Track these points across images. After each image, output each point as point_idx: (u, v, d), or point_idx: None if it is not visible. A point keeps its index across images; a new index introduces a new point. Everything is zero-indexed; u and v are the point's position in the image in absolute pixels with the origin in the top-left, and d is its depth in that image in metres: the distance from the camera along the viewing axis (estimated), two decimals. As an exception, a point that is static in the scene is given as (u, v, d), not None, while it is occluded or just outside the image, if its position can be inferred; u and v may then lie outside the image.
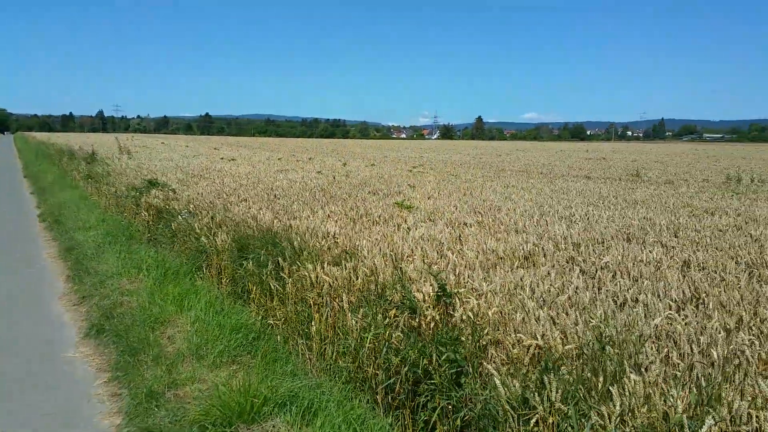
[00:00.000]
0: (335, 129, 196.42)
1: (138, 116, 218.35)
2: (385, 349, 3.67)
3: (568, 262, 4.89)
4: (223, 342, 4.81)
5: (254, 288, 5.69)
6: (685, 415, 2.33)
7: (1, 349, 5.15)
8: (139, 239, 8.82)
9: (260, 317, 5.39)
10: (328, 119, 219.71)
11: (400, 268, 4.80)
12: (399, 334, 3.72)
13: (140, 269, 7.03)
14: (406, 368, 3.47)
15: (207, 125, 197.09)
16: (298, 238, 5.87)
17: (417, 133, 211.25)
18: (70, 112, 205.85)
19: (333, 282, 4.85)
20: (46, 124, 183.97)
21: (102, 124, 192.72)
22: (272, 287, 5.40)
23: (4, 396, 4.28)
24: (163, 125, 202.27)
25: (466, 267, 4.76)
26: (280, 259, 5.51)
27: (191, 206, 8.63)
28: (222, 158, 22.59)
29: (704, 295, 3.82)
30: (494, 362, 3.14)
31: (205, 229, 7.19)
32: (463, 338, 3.37)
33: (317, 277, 4.94)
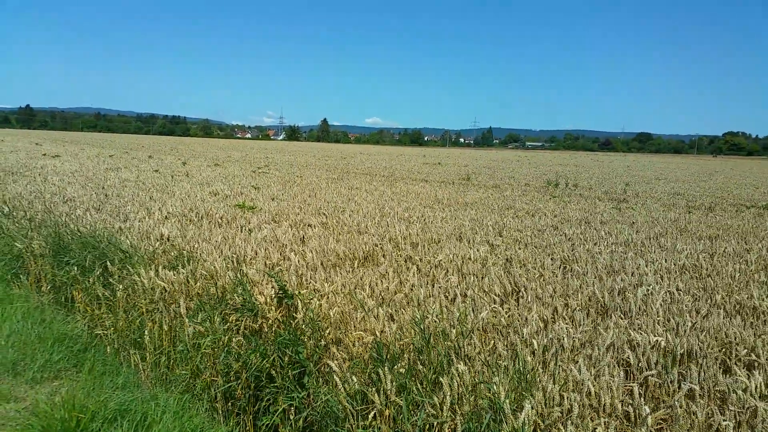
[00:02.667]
0: (175, 126, 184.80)
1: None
2: (224, 354, 3.52)
3: (406, 261, 5.10)
4: (45, 355, 4.29)
5: (79, 295, 5.15)
6: (507, 401, 2.54)
7: None
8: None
9: (87, 327, 4.89)
10: (167, 115, 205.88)
11: (241, 270, 4.66)
12: (240, 338, 3.60)
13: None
14: (247, 373, 3.37)
15: (28, 118, 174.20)
16: (129, 241, 5.43)
17: (262, 133, 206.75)
18: None
19: (169, 287, 4.55)
20: None
21: None
22: (100, 294, 4.93)
23: None
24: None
25: (308, 268, 4.75)
26: (108, 263, 5.05)
27: (6, 207, 7.58)
28: (44, 154, 20.18)
29: (524, 289, 4.21)
30: (336, 360, 3.17)
31: (22, 232, 6.35)
32: (305, 338, 3.36)
33: (151, 282, 4.60)
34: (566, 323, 3.56)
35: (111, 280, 4.91)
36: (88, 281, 5.12)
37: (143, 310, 4.51)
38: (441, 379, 2.78)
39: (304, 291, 4.01)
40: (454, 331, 3.22)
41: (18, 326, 4.75)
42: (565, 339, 3.22)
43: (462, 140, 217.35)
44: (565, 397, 2.69)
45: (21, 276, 6.04)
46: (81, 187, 10.01)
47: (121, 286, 4.78)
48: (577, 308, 3.91)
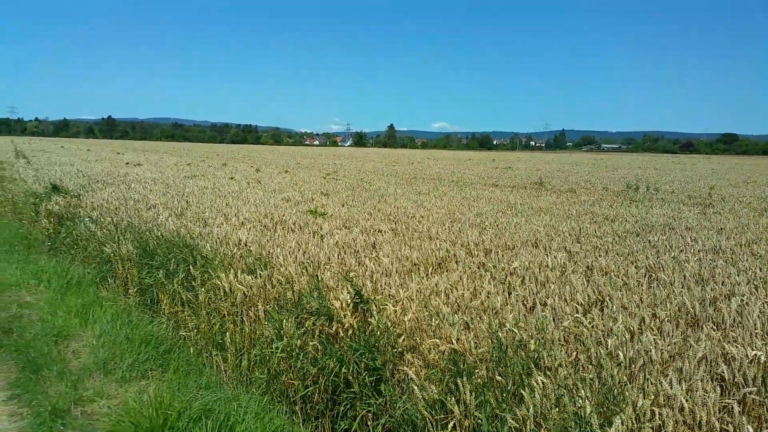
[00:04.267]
0: (247, 134, 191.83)
1: (36, 118, 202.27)
2: (301, 359, 3.61)
3: (479, 268, 5.05)
4: (133, 355, 4.55)
5: (164, 297, 5.43)
6: (594, 415, 2.46)
7: None
8: (38, 248, 8.18)
9: (171, 328, 5.15)
10: (239, 124, 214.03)
11: (317, 275, 4.77)
12: (316, 342, 3.68)
13: (40, 280, 6.52)
14: (324, 377, 3.44)
15: (110, 129, 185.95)
16: (209, 246, 5.68)
17: (330, 140, 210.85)
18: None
19: (248, 291, 4.72)
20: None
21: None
22: (183, 297, 5.18)
23: None
24: (63, 128, 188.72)
25: (382, 274, 4.79)
26: (191, 267, 5.30)
27: (95, 213, 8.11)
28: (127, 163, 21.45)
29: (608, 298, 4.06)
30: (413, 368, 3.18)
31: (110, 237, 6.78)
32: (380, 345, 3.39)
33: (231, 285, 4.79)
34: (654, 335, 3.41)
35: (193, 283, 5.15)
36: (172, 284, 5.39)
37: (224, 313, 4.70)
38: (522, 391, 2.73)
39: (379, 297, 4.06)
40: (533, 341, 3.15)
41: (107, 327, 5.07)
42: (653, 351, 3.09)
43: (533, 143, 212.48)
44: (657, 413, 2.57)
45: (109, 279, 6.45)
46: (162, 194, 10.56)
47: (203, 290, 5.00)
48: (666, 319, 3.73)
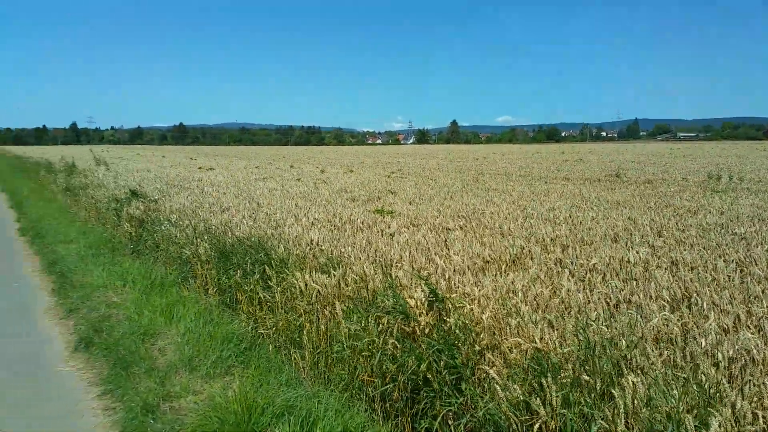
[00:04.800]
0: (310, 136, 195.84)
1: (112, 127, 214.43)
2: (379, 356, 3.64)
3: (556, 264, 4.93)
4: (216, 352, 4.75)
5: (242, 297, 5.63)
6: (689, 417, 2.35)
7: (-15, 367, 5.01)
8: (122, 251, 8.67)
9: (250, 327, 5.33)
10: (303, 126, 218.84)
11: (390, 273, 4.79)
12: (394, 341, 3.71)
13: (126, 281, 6.91)
14: (403, 375, 3.46)
15: (181, 135, 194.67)
16: (282, 247, 5.83)
17: (392, 138, 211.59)
18: (44, 125, 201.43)
19: (323, 290, 4.81)
20: (20, 137, 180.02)
21: (76, 136, 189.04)
22: (260, 296, 5.35)
23: (-11, 414, 4.15)
24: (137, 136, 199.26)
25: (455, 272, 4.76)
26: (266, 267, 5.46)
27: (173, 217, 8.51)
28: (200, 168, 22.35)
29: (696, 294, 3.86)
30: (494, 367, 3.15)
31: (188, 240, 7.09)
32: (459, 343, 3.37)
33: (306, 285, 4.90)
34: (752, 333, 3.22)
35: (269, 283, 5.31)
36: (249, 284, 5.58)
37: (301, 312, 4.81)
38: (612, 390, 2.64)
39: (454, 295, 4.03)
40: (623, 340, 3.03)
41: (191, 325, 5.31)
42: (755, 351, 2.91)
43: (604, 134, 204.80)
44: (760, 416, 2.43)
45: (190, 279, 6.74)
46: (234, 197, 10.93)
47: (279, 289, 5.14)
48: (764, 317, 3.51)
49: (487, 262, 5.20)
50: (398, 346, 3.64)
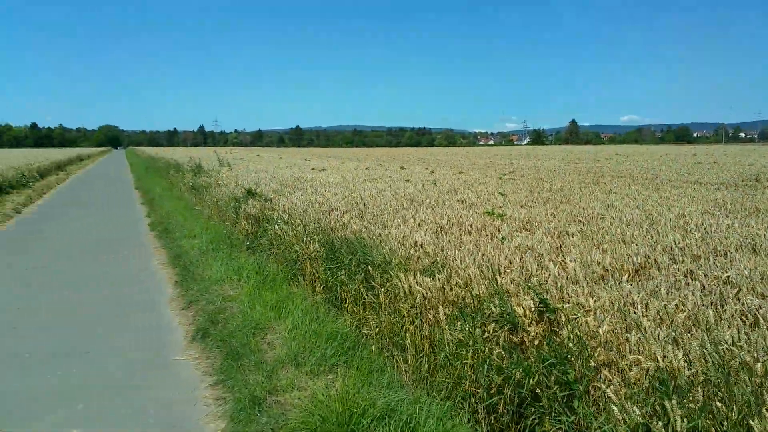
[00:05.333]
0: (421, 137, 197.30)
1: (235, 130, 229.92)
2: (485, 367, 3.52)
3: (686, 276, 4.50)
4: (320, 350, 4.86)
5: (347, 296, 5.72)
6: None
7: (115, 350, 5.50)
8: (239, 247, 9.18)
9: (354, 326, 5.40)
10: (414, 128, 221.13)
11: (497, 280, 4.64)
12: (500, 350, 3.57)
13: (241, 276, 7.30)
14: (509, 388, 3.31)
15: (297, 137, 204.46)
16: (388, 247, 5.85)
17: (505, 139, 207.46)
18: (175, 128, 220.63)
19: (426, 293, 4.76)
20: (154, 139, 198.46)
21: (203, 138, 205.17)
22: (364, 296, 5.40)
23: (116, 396, 4.54)
24: (258, 138, 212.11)
25: (569, 280, 4.50)
26: (370, 267, 5.51)
27: (286, 215, 8.87)
28: (313, 168, 23.19)
29: None
30: (610, 386, 2.91)
31: (299, 238, 7.34)
32: (572, 358, 3.17)
33: (410, 287, 4.87)
34: None
35: (373, 283, 5.36)
36: (354, 284, 5.67)
37: (404, 314, 4.80)
38: (750, 421, 2.34)
39: (567, 305, 3.81)
40: (759, 365, 2.69)
41: (298, 321, 5.48)
42: None
43: (742, 135, 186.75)
44: None
45: (299, 277, 6.98)
46: (344, 197, 11.20)
47: (383, 290, 5.17)
48: None
49: (607, 270, 4.87)
50: (504, 356, 3.49)
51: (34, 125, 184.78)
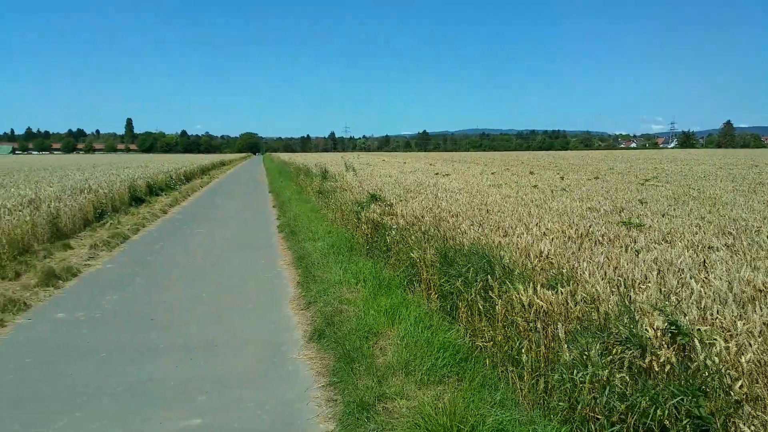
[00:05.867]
0: (554, 141, 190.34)
1: (363, 136, 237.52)
2: (606, 392, 3.25)
3: None
4: (431, 360, 4.81)
5: (462, 306, 5.61)
6: None
7: (237, 344, 5.86)
8: (359, 251, 9.41)
9: (468, 337, 5.28)
10: (546, 131, 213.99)
11: (629, 296, 4.29)
12: (624, 375, 3.28)
13: (358, 280, 7.46)
14: (633, 417, 3.03)
15: (424, 142, 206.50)
16: (508, 257, 5.65)
17: (649, 142, 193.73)
18: (308, 135, 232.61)
19: (547, 307, 4.52)
20: (288, 145, 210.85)
21: (333, 144, 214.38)
22: (480, 307, 5.26)
23: (236, 389, 4.81)
24: (385, 144, 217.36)
25: (713, 300, 4.05)
26: (489, 277, 5.35)
27: (404, 220, 8.93)
28: (437, 173, 23.22)
29: None
30: (752, 423, 2.56)
31: (416, 243, 7.35)
32: (707, 389, 2.83)
33: (529, 299, 4.66)
34: None
35: (491, 294, 5.20)
36: (470, 293, 5.54)
37: (521, 328, 4.60)
38: None
39: (705, 328, 3.42)
40: None
41: (411, 329, 5.47)
42: None
43: None
44: None
45: (415, 283, 6.99)
46: (466, 203, 11.06)
47: (500, 301, 5.00)
48: None
49: (760, 291, 4.32)
50: (629, 381, 3.21)
51: (183, 133, 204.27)
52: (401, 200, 11.78)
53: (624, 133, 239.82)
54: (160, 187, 23.26)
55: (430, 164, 36.19)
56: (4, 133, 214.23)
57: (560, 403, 3.65)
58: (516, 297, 4.79)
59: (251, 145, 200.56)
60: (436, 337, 5.18)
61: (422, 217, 8.99)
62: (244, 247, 11.38)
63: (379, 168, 28.49)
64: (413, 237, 7.69)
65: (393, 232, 8.36)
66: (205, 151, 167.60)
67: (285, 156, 76.17)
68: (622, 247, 6.37)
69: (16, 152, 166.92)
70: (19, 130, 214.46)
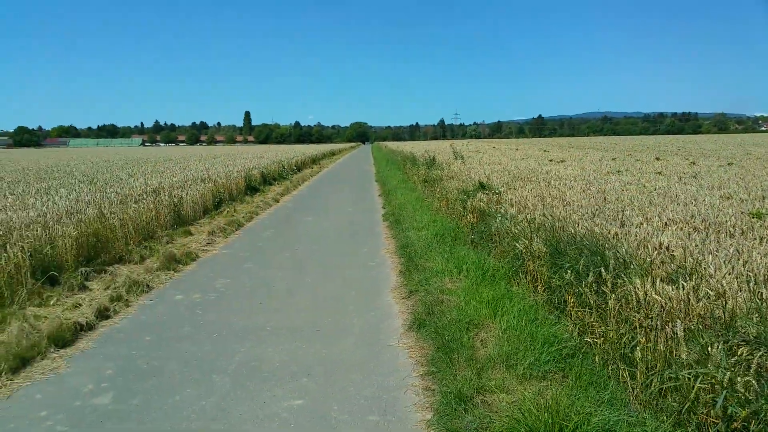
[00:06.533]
0: (684, 124, 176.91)
1: (474, 123, 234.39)
2: (724, 396, 3.00)
3: None
4: (534, 354, 4.68)
5: (571, 299, 5.39)
6: None
7: (339, 330, 6.04)
8: (463, 240, 9.33)
9: (576, 332, 5.08)
10: (675, 113, 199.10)
11: (760, 293, 3.92)
12: (750, 379, 3.00)
13: (461, 270, 7.41)
14: (758, 425, 2.77)
15: (538, 127, 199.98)
16: (624, 249, 5.35)
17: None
18: (416, 123, 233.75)
19: (666, 303, 4.24)
20: (397, 134, 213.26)
21: (442, 131, 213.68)
22: (591, 301, 5.03)
23: (337, 373, 4.97)
24: (497, 130, 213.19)
25: None
26: (602, 269, 5.10)
27: (513, 209, 8.73)
28: (550, 160, 22.44)
29: None
30: None
31: (523, 233, 7.16)
32: None
33: (646, 295, 4.39)
34: None
35: (603, 288, 4.96)
36: (581, 287, 5.32)
37: (636, 324, 4.36)
38: None
39: None
40: None
41: (514, 321, 5.35)
42: None
43: None
44: None
45: (520, 274, 6.82)
46: (581, 191, 10.61)
47: (613, 296, 4.76)
48: None
49: None
50: (753, 385, 2.93)
51: (296, 124, 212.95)
52: (510, 188, 11.52)
53: (766, 114, 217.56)
54: (273, 176, 24.42)
55: (544, 150, 35.06)
56: (135, 126, 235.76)
57: (673, 404, 3.41)
58: (632, 291, 4.54)
59: (360, 134, 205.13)
60: (541, 331, 5.03)
61: (532, 206, 8.75)
62: (349, 235, 11.69)
63: (489, 155, 28.01)
64: (520, 226, 7.50)
65: (497, 220, 8.21)
66: (316, 141, 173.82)
67: (393, 145, 77.14)
68: (756, 238, 5.83)
69: (146, 144, 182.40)
70: (148, 123, 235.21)
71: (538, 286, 6.30)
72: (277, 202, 18.15)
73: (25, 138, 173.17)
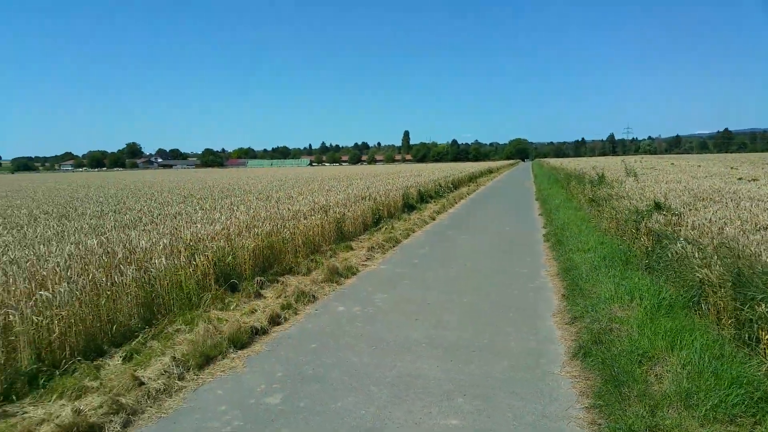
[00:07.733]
0: None
1: (648, 137, 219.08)
2: None
3: None
4: (719, 394, 4.29)
5: (766, 336, 4.85)
6: None
7: (496, 351, 6.00)
8: (635, 265, 8.79)
9: (772, 374, 4.55)
10: None
11: None
12: None
13: (633, 297, 6.98)
14: None
15: (725, 142, 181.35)
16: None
17: None
18: (582, 138, 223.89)
19: None
20: (560, 150, 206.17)
21: (612, 147, 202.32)
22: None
23: (487, 395, 4.94)
24: (675, 145, 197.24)
25: None
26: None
27: (693, 233, 8.04)
28: (740, 179, 20.28)
29: None
30: None
31: (705, 260, 6.57)
32: None
33: None
34: None
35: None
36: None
37: None
38: None
39: None
40: None
41: (694, 357, 4.93)
42: None
43: None
44: None
45: (702, 305, 6.26)
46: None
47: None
48: None
49: None
50: None
51: (454, 141, 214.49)
52: (690, 209, 10.64)
53: None
54: (429, 194, 24.87)
55: (732, 168, 31.75)
56: (304, 147, 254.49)
57: None
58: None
59: (520, 150, 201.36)
60: (728, 370, 4.59)
61: (719, 229, 8.01)
62: (506, 255, 11.54)
63: (666, 172, 26.04)
64: (702, 252, 6.90)
65: (677, 245, 7.62)
66: (474, 159, 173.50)
67: (555, 161, 74.66)
68: None
69: (313, 164, 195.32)
70: (315, 145, 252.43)
71: (722, 319, 5.75)
72: (434, 219, 18.44)
73: (210, 159, 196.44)
